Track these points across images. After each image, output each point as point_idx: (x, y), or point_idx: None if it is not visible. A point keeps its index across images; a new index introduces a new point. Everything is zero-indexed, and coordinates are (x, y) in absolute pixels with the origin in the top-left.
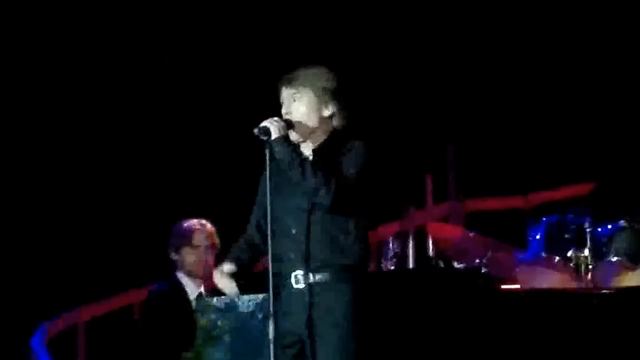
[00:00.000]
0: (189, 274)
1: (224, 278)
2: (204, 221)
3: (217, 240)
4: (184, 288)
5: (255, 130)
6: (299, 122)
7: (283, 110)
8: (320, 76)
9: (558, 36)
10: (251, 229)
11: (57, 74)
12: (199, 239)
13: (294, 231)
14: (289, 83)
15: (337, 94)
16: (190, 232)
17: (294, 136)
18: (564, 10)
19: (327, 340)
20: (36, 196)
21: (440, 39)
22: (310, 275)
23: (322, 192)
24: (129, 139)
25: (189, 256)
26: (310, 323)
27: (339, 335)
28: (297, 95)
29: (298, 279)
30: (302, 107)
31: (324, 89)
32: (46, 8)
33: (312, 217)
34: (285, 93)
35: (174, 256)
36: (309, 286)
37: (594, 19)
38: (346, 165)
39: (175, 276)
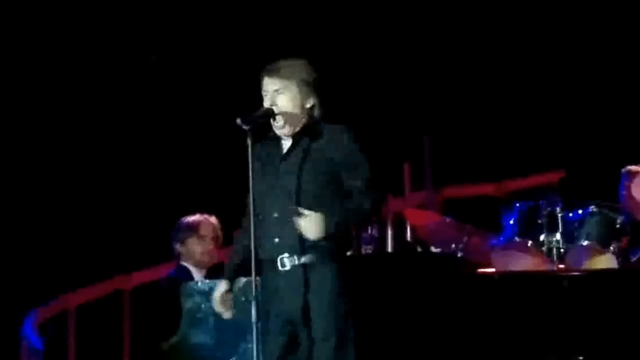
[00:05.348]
0: (196, 264)
1: (223, 302)
2: (207, 215)
3: (220, 234)
4: (192, 276)
5: (238, 120)
6: (284, 113)
7: (267, 102)
8: (302, 69)
9: (527, 30)
10: (245, 221)
11: (47, 66)
12: (205, 230)
13: (275, 214)
14: (273, 76)
15: (317, 86)
16: (198, 223)
17: (277, 125)
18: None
19: (321, 319)
20: (26, 185)
21: (417, 35)
22: (296, 257)
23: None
24: (122, 130)
25: (196, 246)
26: (305, 305)
27: (331, 314)
28: (282, 89)
29: (284, 262)
30: (286, 101)
31: (306, 82)
32: (45, 8)
33: (300, 199)
34: (270, 86)
35: (179, 248)
36: (296, 268)
37: (560, 10)
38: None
39: (183, 265)
